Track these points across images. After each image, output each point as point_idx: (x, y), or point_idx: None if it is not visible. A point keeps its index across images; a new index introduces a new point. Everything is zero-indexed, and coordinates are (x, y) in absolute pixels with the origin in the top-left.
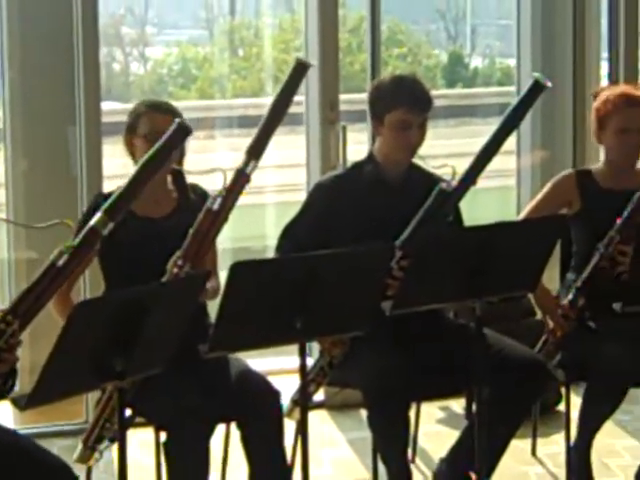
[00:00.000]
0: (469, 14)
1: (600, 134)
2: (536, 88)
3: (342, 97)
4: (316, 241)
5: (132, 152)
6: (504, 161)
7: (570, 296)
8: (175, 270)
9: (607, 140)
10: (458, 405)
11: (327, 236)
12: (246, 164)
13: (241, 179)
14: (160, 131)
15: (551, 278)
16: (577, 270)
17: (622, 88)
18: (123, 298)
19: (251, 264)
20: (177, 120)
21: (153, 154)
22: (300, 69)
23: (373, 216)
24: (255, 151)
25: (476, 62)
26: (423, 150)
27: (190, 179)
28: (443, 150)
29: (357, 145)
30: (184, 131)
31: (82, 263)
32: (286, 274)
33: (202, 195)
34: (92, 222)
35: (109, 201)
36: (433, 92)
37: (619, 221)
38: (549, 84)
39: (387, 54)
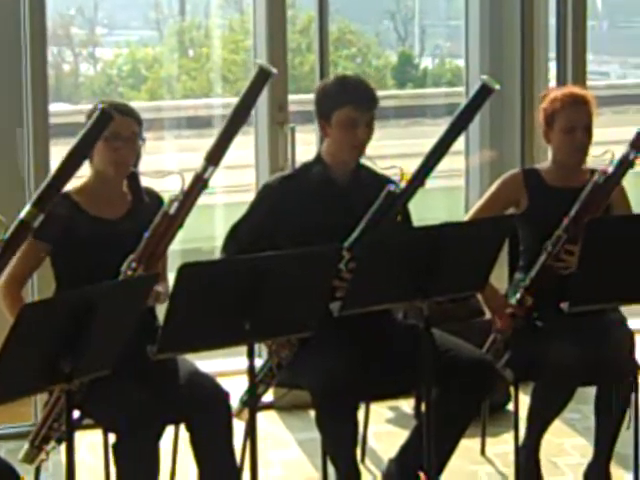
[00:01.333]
0: (419, 15)
1: (548, 133)
2: (484, 91)
3: (292, 98)
4: (263, 242)
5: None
6: (452, 161)
7: (518, 295)
8: (129, 272)
9: (554, 139)
10: (408, 405)
11: (275, 237)
12: (204, 169)
13: (199, 184)
14: (120, 133)
15: (499, 277)
16: (525, 269)
17: (569, 88)
18: (70, 299)
19: (198, 265)
20: (100, 106)
21: (78, 143)
22: (262, 76)
23: (321, 217)
24: (214, 157)
25: (426, 62)
26: (373, 150)
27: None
28: (393, 150)
29: (306, 146)
30: (107, 118)
31: (14, 255)
32: (234, 275)
33: (156, 198)
34: (22, 215)
35: (37, 192)
36: (383, 92)
37: (566, 220)
38: (497, 87)
39: (337, 55)
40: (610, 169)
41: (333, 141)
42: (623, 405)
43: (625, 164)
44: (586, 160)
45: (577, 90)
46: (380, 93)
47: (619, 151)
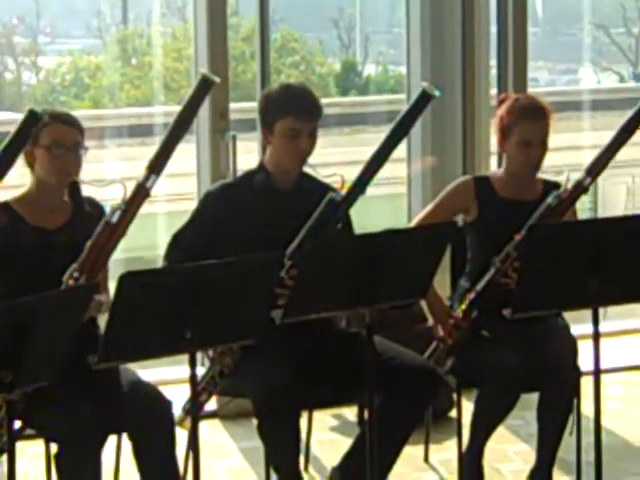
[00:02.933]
0: (361, 22)
1: (502, 143)
2: (424, 98)
3: (234, 106)
4: (205, 250)
5: (31, 163)
6: (395, 168)
7: (463, 306)
8: (71, 282)
9: (509, 150)
10: (351, 413)
11: (217, 245)
12: (147, 178)
13: (141, 193)
14: (62, 142)
15: (442, 283)
16: (471, 277)
17: (527, 98)
18: (11, 309)
19: (140, 274)
20: (28, 108)
21: (5, 146)
22: (205, 85)
23: (264, 225)
24: (156, 166)
25: (369, 70)
26: (316, 158)
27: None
28: (337, 158)
29: (249, 154)
30: (35, 119)
31: None
32: (175, 284)
33: (97, 208)
34: None
35: None
36: (326, 100)
37: (517, 237)
38: (437, 93)
39: (280, 62)
40: (563, 189)
41: (276, 150)
42: (566, 411)
43: (579, 189)
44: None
45: (536, 101)
46: (323, 101)
47: (567, 157)
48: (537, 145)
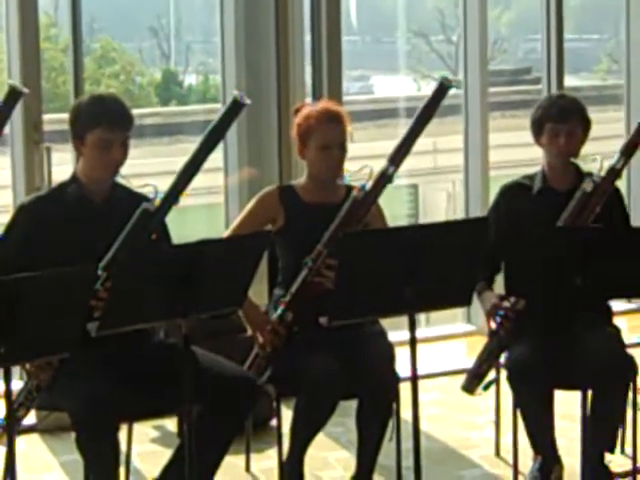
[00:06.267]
0: (181, 31)
1: (303, 150)
2: (235, 106)
3: (52, 117)
4: (20, 263)
5: None
6: (212, 178)
7: (279, 311)
8: None
9: (309, 155)
10: (172, 424)
11: (32, 258)
12: None
13: None
14: None
15: (259, 293)
16: (284, 285)
17: (323, 104)
18: None
19: None
20: None
21: None
22: (13, 95)
23: (78, 237)
24: None
25: (190, 80)
26: (136, 168)
27: None
28: (157, 168)
29: (66, 165)
30: None
31: None
32: None
33: None
34: None
35: None
36: (146, 110)
37: (326, 234)
38: (248, 102)
39: (100, 73)
40: (368, 184)
41: (87, 161)
42: (384, 417)
43: (383, 179)
44: (342, 175)
45: (331, 107)
46: (142, 111)
47: (382, 164)
48: (337, 148)
